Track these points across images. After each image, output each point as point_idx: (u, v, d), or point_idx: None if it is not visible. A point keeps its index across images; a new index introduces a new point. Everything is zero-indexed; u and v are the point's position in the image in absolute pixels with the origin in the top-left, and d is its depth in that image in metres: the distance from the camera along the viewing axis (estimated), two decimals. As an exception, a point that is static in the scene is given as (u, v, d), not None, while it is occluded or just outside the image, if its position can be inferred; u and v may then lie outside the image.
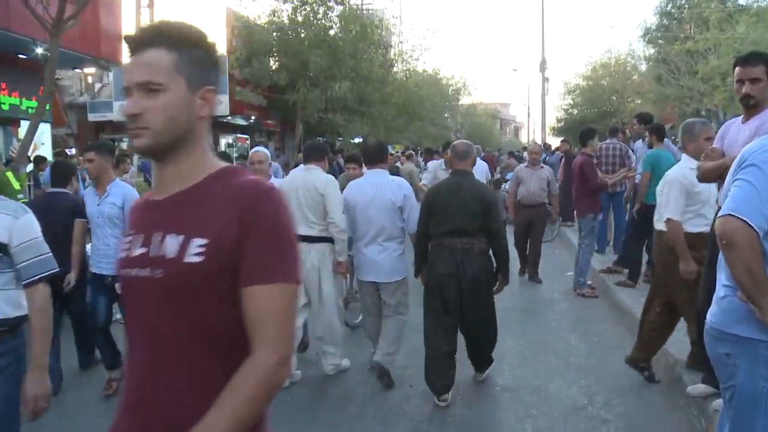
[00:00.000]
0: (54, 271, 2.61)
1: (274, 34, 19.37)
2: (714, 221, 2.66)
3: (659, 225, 4.59)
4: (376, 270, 4.81)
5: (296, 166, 6.51)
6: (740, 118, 3.70)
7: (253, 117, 22.55)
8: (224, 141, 23.52)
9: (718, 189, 3.42)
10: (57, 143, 18.18)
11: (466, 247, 4.37)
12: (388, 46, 24.32)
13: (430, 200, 4.57)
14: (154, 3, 13.25)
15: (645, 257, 7.45)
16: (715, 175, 3.52)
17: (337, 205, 4.76)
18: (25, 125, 12.04)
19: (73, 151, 13.05)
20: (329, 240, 4.84)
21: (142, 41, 1.38)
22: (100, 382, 4.80)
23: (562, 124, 40.27)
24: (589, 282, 7.74)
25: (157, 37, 1.37)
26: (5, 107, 13.05)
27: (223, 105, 20.22)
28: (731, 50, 16.09)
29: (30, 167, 11.25)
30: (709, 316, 2.36)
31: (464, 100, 39.38)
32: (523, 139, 65.42)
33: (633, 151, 8.67)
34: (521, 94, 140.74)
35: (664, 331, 4.60)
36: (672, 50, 20.71)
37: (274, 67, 20.04)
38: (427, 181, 8.45)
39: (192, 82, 1.38)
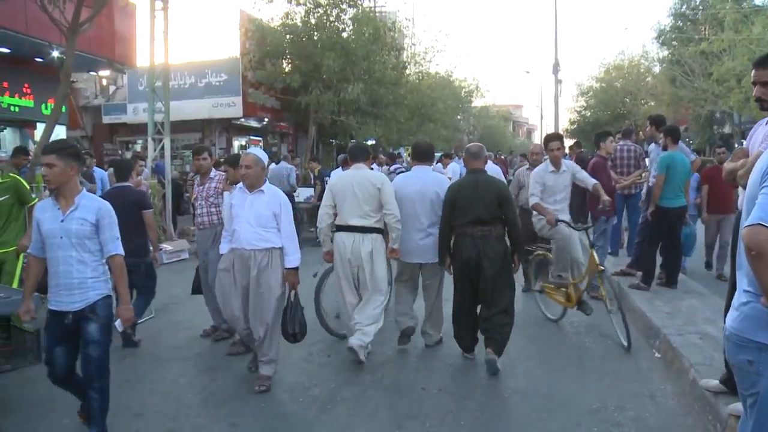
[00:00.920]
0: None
1: (287, 36, 19.45)
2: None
3: None
4: (422, 253, 5.53)
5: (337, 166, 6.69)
6: (766, 119, 3.68)
7: (266, 119, 22.63)
8: (237, 143, 23.63)
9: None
10: (72, 145, 18.34)
11: (486, 234, 5.12)
12: (400, 48, 24.33)
13: (452, 196, 5.28)
14: (168, 6, 13.33)
15: (659, 260, 7.42)
16: (733, 176, 3.51)
17: (392, 197, 5.34)
18: (41, 127, 12.17)
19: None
20: (380, 231, 5.37)
21: None
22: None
23: (575, 126, 40.14)
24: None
25: None
26: (24, 109, 13.20)
27: (236, 107, 20.48)
28: (746, 51, 15.95)
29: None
30: (730, 321, 2.29)
31: (477, 102, 39.26)
32: (536, 141, 65.16)
33: (647, 153, 8.63)
34: (534, 96, 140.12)
35: None
36: (686, 52, 20.59)
37: (287, 70, 20.13)
38: (451, 174, 11.43)
39: None
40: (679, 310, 6.29)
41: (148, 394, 4.76)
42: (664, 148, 7.29)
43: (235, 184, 5.96)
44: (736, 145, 9.03)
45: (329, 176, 10.15)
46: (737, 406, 3.45)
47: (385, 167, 15.24)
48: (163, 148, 13.51)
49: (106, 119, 22.80)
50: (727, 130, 27.44)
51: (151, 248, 6.21)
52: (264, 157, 4.90)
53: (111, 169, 12.48)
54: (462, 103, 35.30)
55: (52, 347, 3.72)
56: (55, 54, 11.74)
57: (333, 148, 25.22)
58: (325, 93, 18.92)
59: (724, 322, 2.42)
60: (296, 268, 4.82)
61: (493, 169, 7.95)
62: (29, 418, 4.32)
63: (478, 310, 5.31)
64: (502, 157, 26.15)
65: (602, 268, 5.88)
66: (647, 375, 5.00)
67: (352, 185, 5.31)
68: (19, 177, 6.09)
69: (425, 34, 43.79)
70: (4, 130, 13.78)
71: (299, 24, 19.33)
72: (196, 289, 6.42)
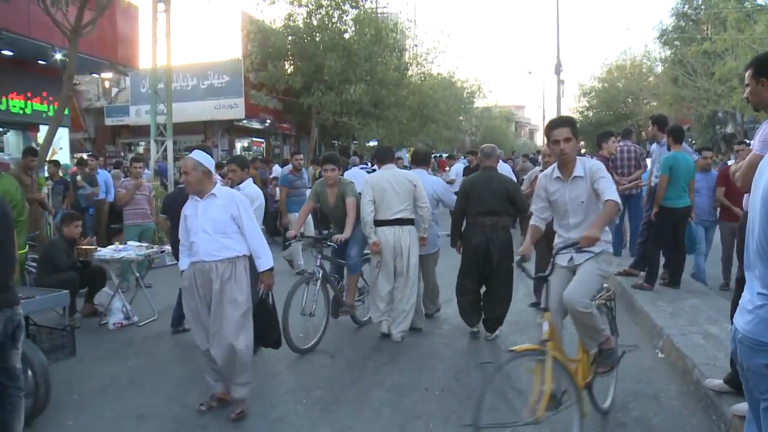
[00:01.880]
0: None
1: (289, 37, 19.48)
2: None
3: None
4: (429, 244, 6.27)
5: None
6: None
7: (268, 120, 22.67)
8: (240, 144, 23.67)
9: None
10: (75, 147, 18.40)
11: (494, 223, 5.81)
12: (402, 49, 24.34)
13: (467, 189, 5.98)
14: (170, 8, 13.36)
15: (662, 260, 7.41)
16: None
17: (424, 192, 6.01)
18: (43, 130, 12.19)
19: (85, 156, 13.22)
20: (413, 222, 6.01)
21: None
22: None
23: (578, 126, 40.08)
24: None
25: None
26: (27, 111, 13.23)
27: (238, 108, 20.50)
28: (749, 51, 15.91)
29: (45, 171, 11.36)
30: (743, 324, 2.23)
31: (479, 103, 39.26)
32: (538, 141, 65.11)
33: (648, 153, 8.62)
34: (536, 96, 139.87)
35: None
36: (688, 51, 20.54)
37: (289, 71, 20.15)
38: (454, 175, 12.60)
39: None
40: (682, 310, 6.28)
41: (152, 396, 4.77)
42: (668, 148, 7.29)
43: (240, 184, 5.98)
44: (735, 147, 8.90)
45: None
46: (741, 407, 3.44)
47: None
48: (165, 149, 13.53)
49: (109, 121, 22.87)
50: (729, 129, 27.43)
51: None
52: (205, 159, 4.36)
53: (115, 171, 12.57)
54: (464, 104, 35.31)
55: None
56: (58, 56, 11.77)
57: (335, 149, 25.25)
58: (327, 94, 18.94)
59: (731, 322, 2.40)
60: (271, 269, 4.47)
61: (503, 167, 8.06)
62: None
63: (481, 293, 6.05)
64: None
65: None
66: (651, 375, 4.99)
67: (391, 183, 5.93)
68: (9, 176, 6.14)
69: (427, 35, 43.74)
70: (7, 133, 13.81)
71: (301, 25, 19.37)
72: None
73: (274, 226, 11.62)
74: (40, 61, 12.64)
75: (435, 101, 25.75)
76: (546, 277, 3.69)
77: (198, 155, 4.36)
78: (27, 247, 6.89)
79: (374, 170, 7.58)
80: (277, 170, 13.36)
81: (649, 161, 8.44)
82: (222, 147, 21.53)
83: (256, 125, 22.95)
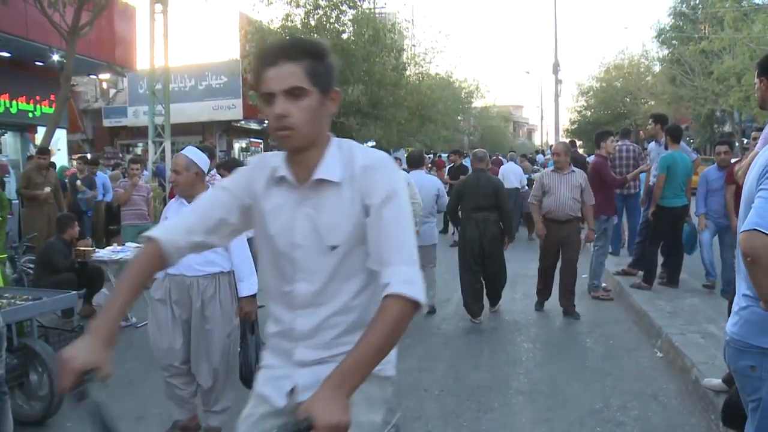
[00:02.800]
0: None
1: (287, 38, 19.45)
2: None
3: None
4: (426, 237, 6.74)
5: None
6: None
7: (266, 121, 22.67)
8: (237, 145, 23.67)
9: None
10: (73, 149, 18.39)
11: (485, 218, 6.55)
12: (400, 49, 24.33)
13: (460, 188, 6.81)
14: (168, 9, 13.34)
15: (660, 259, 7.41)
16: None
17: (416, 190, 6.41)
18: (41, 131, 12.18)
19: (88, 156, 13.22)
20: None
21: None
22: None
23: (576, 126, 40.12)
24: (603, 284, 7.69)
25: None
26: (25, 113, 13.22)
27: (236, 109, 20.49)
28: (747, 50, 15.91)
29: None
30: (730, 326, 2.24)
31: (477, 103, 39.18)
32: (537, 141, 65.15)
33: (646, 151, 8.61)
34: (534, 96, 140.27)
35: None
36: (686, 51, 20.55)
37: (287, 71, 20.13)
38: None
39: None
40: (681, 310, 6.29)
41: (150, 397, 4.75)
42: (665, 147, 7.29)
43: None
44: (736, 144, 8.82)
45: None
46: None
47: None
48: (163, 150, 13.52)
49: (107, 122, 22.85)
50: (727, 128, 27.45)
51: None
52: (200, 159, 3.84)
53: (114, 172, 12.55)
54: (462, 104, 35.26)
55: None
56: (56, 57, 11.76)
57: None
58: (325, 94, 18.92)
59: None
60: (254, 296, 3.81)
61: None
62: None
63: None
64: (499, 157, 26.06)
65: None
66: (649, 374, 5.00)
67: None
68: None
69: (425, 35, 43.69)
70: (5, 134, 13.79)
71: (299, 26, 19.34)
72: None
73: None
74: (37, 63, 12.64)
75: (433, 101, 25.70)
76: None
77: (192, 153, 3.84)
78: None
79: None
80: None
81: (648, 160, 8.43)
82: (220, 148, 21.52)
83: (254, 126, 22.95)
